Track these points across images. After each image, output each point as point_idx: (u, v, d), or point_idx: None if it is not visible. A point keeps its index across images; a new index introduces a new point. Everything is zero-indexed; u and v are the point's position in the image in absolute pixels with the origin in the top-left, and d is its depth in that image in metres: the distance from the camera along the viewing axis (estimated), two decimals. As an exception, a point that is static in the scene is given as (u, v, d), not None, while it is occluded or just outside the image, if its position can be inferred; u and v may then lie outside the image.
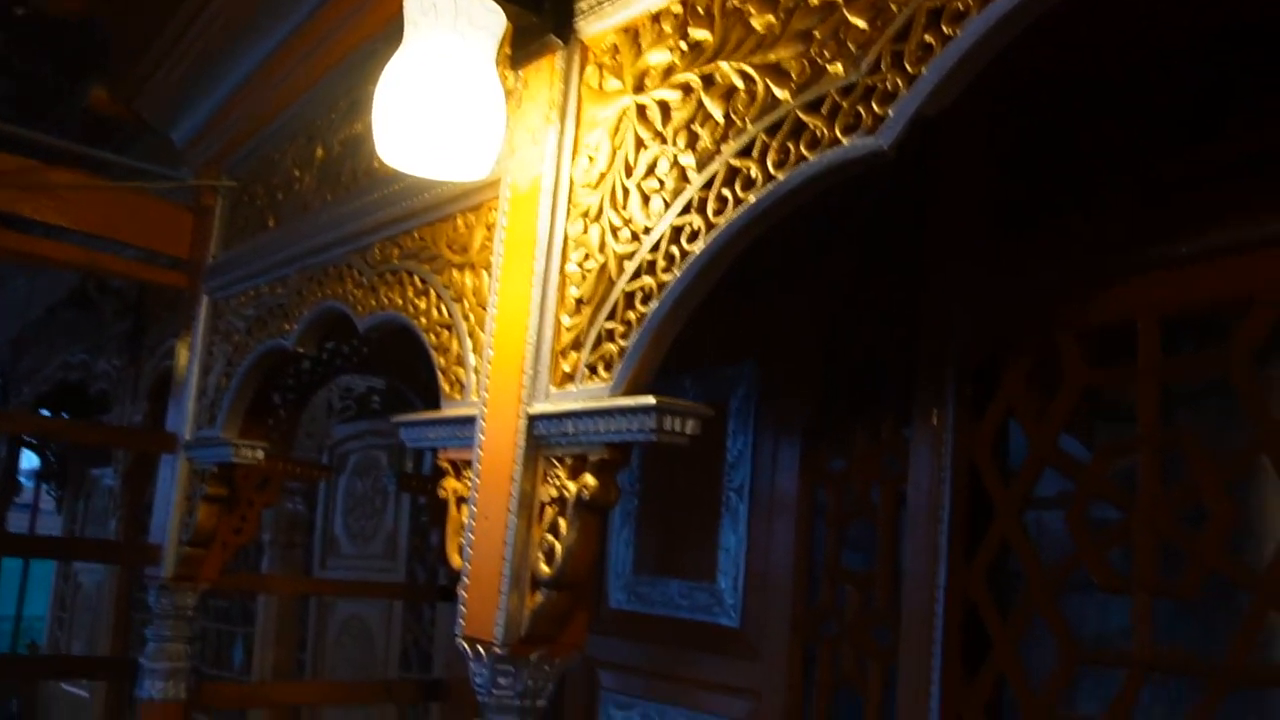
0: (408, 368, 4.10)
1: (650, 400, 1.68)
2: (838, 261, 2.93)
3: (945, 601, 2.49)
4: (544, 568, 1.87)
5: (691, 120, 1.74)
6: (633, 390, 1.77)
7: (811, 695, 2.79)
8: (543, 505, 1.90)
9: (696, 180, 1.70)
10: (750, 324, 3.10)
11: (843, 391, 2.90)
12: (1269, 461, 2.09)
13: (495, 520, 1.94)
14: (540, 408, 1.90)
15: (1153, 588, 2.20)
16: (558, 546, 1.85)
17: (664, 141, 1.78)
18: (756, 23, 1.66)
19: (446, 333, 2.25)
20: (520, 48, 2.10)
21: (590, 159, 1.93)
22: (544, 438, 1.89)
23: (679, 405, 1.70)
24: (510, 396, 1.97)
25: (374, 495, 5.70)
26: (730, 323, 3.06)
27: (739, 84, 1.67)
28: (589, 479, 1.81)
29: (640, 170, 1.82)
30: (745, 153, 1.63)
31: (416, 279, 2.37)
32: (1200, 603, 2.25)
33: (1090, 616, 2.65)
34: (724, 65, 1.70)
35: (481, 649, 1.91)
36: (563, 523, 1.85)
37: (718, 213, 1.68)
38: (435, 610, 4.93)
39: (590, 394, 1.83)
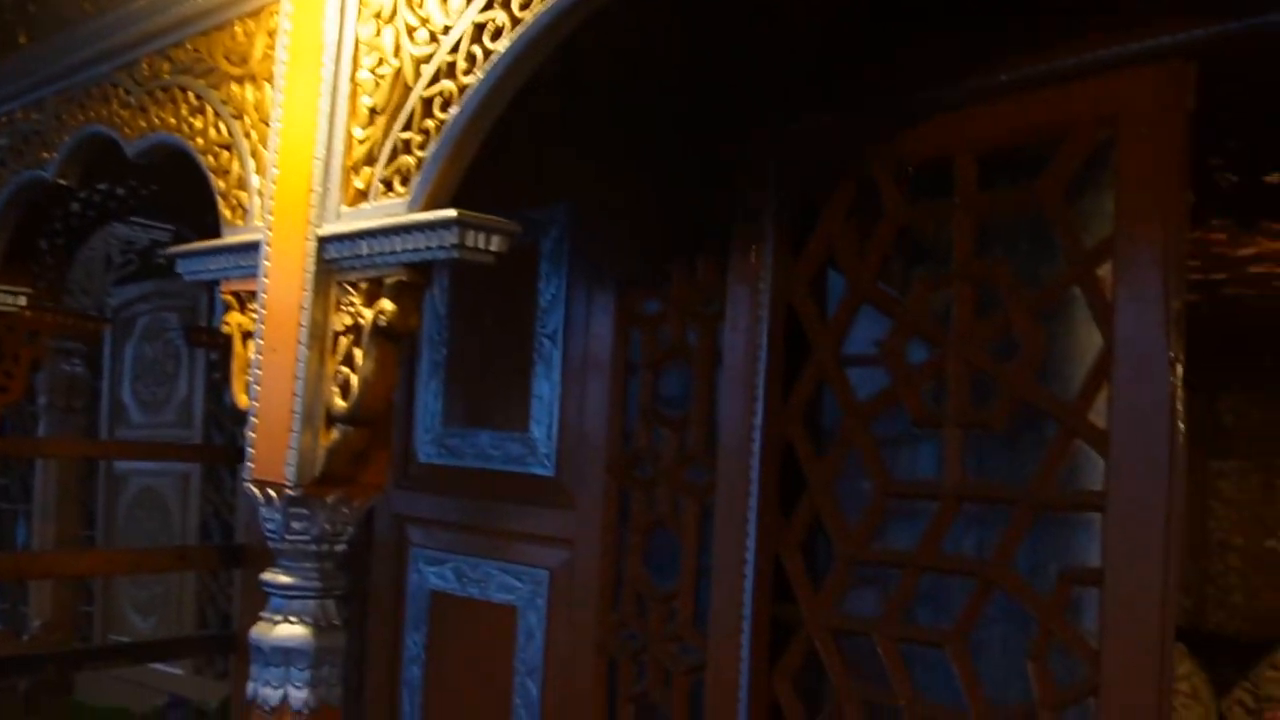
0: (194, 214, 3.78)
1: (451, 213, 1.54)
2: (655, 98, 2.79)
3: (761, 441, 2.46)
4: (339, 402, 1.72)
5: (495, -101, 1.56)
6: (432, 206, 1.62)
7: (627, 540, 2.75)
8: (336, 335, 1.74)
9: (501, -33, 1.54)
10: (563, 165, 2.94)
11: (659, 232, 2.79)
12: (1080, 292, 2.10)
13: (284, 354, 1.77)
14: (331, 228, 1.73)
15: (964, 420, 2.21)
16: (353, 379, 1.70)
17: (465, -75, 1.60)
18: None
19: (226, 153, 2.03)
20: None
21: (382, -50, 1.73)
22: (336, 261, 1.72)
23: (483, 220, 1.56)
24: (297, 219, 1.79)
25: (165, 360, 5.36)
26: (542, 163, 2.90)
27: None
28: (386, 304, 1.66)
29: (438, -41, 1.63)
30: (555, -67, 1.47)
31: (191, 95, 2.13)
32: (1011, 435, 2.29)
33: (903, 466, 2.67)
34: None
35: (273, 492, 1.76)
36: (358, 353, 1.70)
37: (524, 6, 1.52)
38: (236, 478, 4.70)
39: (386, 211, 1.66)
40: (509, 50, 1.54)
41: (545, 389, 2.95)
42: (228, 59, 2.04)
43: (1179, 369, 1.96)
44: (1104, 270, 2.08)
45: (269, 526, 1.80)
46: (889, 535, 2.45)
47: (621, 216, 2.87)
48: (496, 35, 1.56)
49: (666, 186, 2.76)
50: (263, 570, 1.86)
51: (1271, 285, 4.62)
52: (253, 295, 1.88)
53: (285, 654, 1.81)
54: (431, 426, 3.27)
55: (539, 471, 2.94)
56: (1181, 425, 1.94)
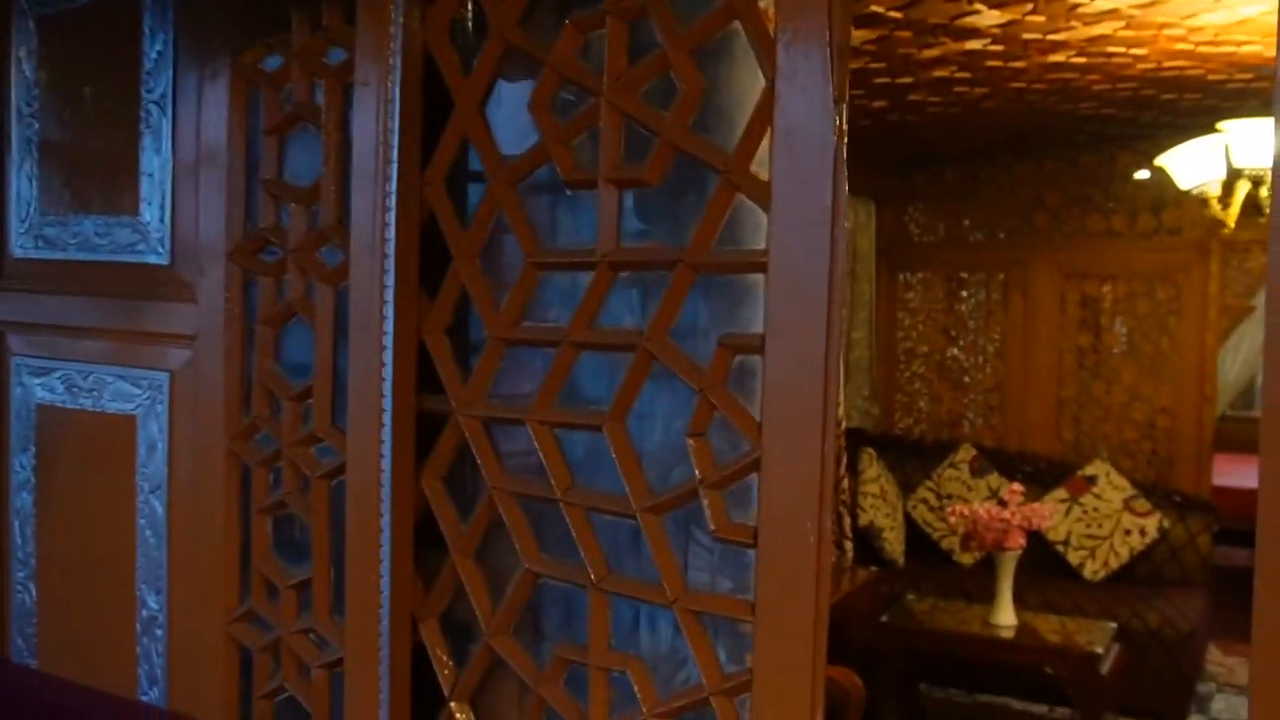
0: None
1: None
2: None
3: (398, 210, 2.06)
4: None
5: None
6: None
7: (254, 331, 2.31)
8: None
9: None
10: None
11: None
12: (742, 28, 1.80)
13: None
14: None
15: (618, 176, 1.89)
16: None
17: None
18: None
19: None
20: None
21: None
22: None
23: None
24: None
25: None
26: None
27: None
28: None
29: None
30: None
31: None
32: (675, 194, 2.00)
33: (565, 233, 2.35)
34: None
35: None
36: None
37: None
38: None
39: None
40: None
41: (156, 165, 2.42)
42: None
43: (844, 111, 1.71)
44: (766, 1, 1.78)
45: None
46: (551, 314, 2.15)
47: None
48: None
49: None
50: None
51: (953, 90, 4.60)
52: None
53: None
54: (27, 216, 2.66)
55: (153, 260, 2.43)
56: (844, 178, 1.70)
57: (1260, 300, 6.50)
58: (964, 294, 6.41)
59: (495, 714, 2.15)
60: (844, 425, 5.64)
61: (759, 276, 1.76)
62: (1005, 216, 6.26)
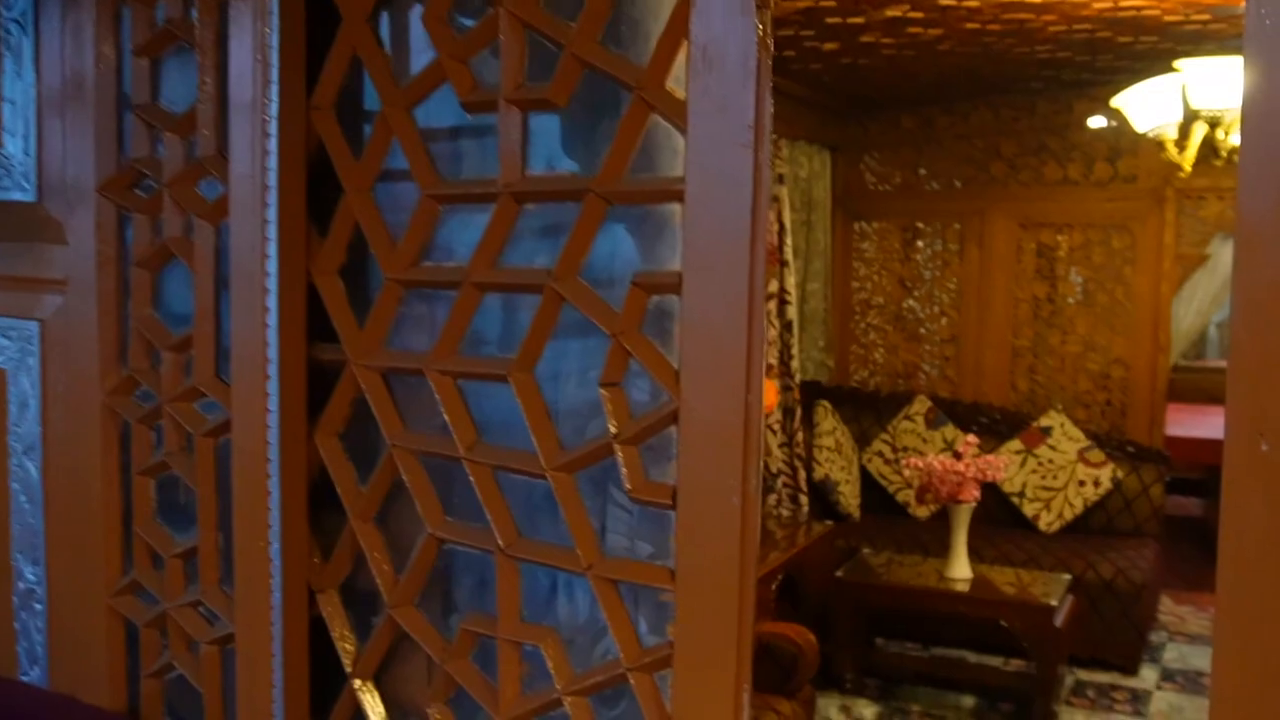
0: None
1: None
2: None
3: (280, 137, 1.81)
4: None
5: None
6: None
7: (130, 271, 2.06)
8: None
9: None
10: None
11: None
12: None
13: None
14: None
15: (520, 97, 1.65)
16: None
17: None
18: None
19: None
20: None
21: None
22: None
23: None
24: None
25: None
26: None
27: None
28: None
29: None
30: None
31: None
32: (587, 119, 1.77)
33: (470, 164, 2.11)
34: None
35: None
36: None
37: None
38: None
39: None
40: None
41: (18, 91, 2.14)
42: None
43: (768, 20, 1.47)
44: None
45: None
46: (455, 254, 1.91)
47: None
48: None
49: None
50: None
51: (906, 31, 4.41)
52: None
53: None
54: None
55: (18, 197, 2.16)
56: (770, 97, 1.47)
57: (1214, 248, 6.36)
58: (920, 244, 6.21)
59: (402, 691, 1.94)
60: (799, 378, 5.45)
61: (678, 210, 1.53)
62: (962, 165, 6.05)
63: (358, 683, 1.91)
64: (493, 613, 1.76)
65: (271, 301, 1.82)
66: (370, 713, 1.89)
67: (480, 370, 1.75)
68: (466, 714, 1.82)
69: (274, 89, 1.80)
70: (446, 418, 1.76)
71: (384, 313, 1.82)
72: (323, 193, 1.88)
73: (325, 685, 1.94)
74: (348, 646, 1.92)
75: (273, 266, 1.82)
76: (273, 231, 1.81)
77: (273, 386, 1.83)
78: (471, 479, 1.74)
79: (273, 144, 1.80)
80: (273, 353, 1.83)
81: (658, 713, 1.59)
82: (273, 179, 1.81)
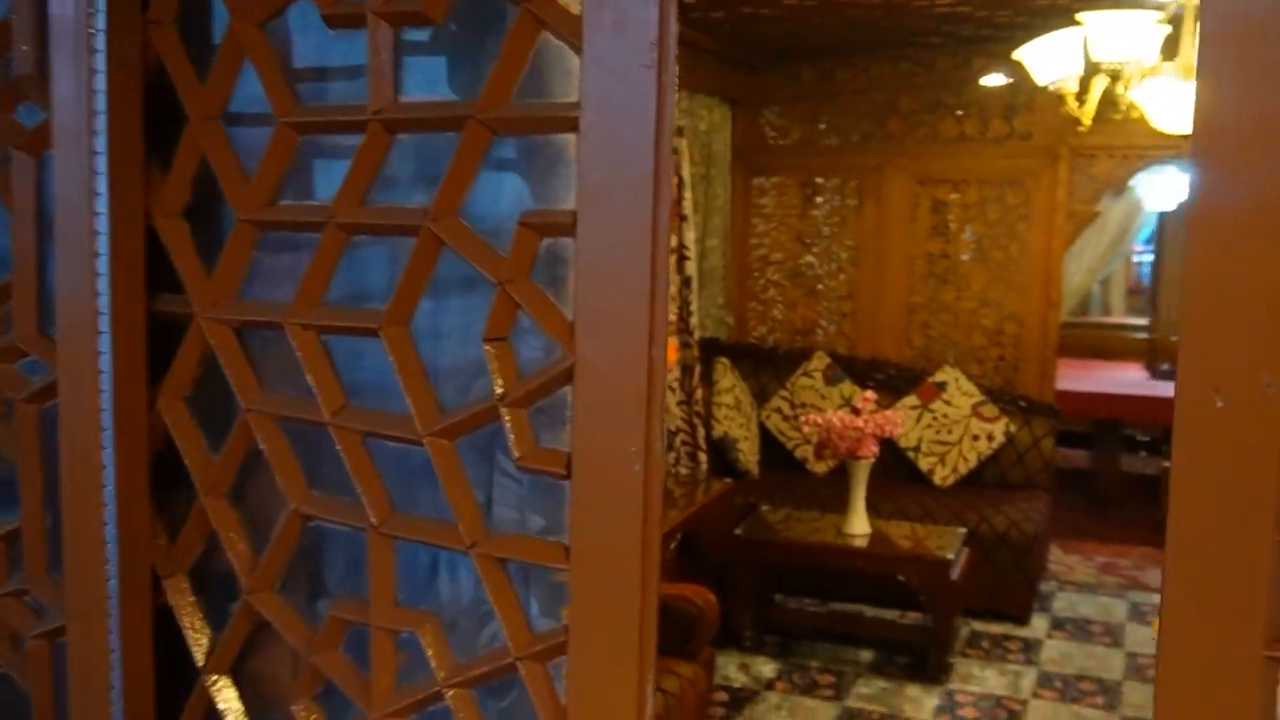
0: None
1: None
2: None
3: (109, 55, 1.53)
4: None
5: None
6: None
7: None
8: None
9: None
10: None
11: None
12: None
13: None
14: None
15: (391, 10, 1.41)
16: None
17: None
18: None
19: None
20: None
21: None
22: None
23: None
24: None
25: None
26: None
27: None
28: None
29: None
30: None
31: None
32: (463, 42, 1.54)
33: (336, 91, 1.85)
34: None
35: None
36: None
37: None
38: None
39: None
40: None
41: None
42: None
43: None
44: None
45: None
46: (319, 193, 1.66)
47: None
48: None
49: None
50: None
51: (782, 3, 4.28)
52: None
53: None
54: None
55: None
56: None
57: (1104, 205, 6.37)
58: (819, 200, 6.08)
59: (265, 686, 1.71)
60: (698, 335, 5.29)
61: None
62: (860, 120, 5.93)
63: (212, 678, 1.67)
64: (365, 597, 1.54)
65: (103, 245, 1.54)
66: (227, 711, 1.66)
67: (346, 323, 1.51)
68: (337, 711, 1.60)
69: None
70: (310, 378, 1.52)
71: (236, 258, 1.56)
72: (170, 126, 1.61)
73: (175, 682, 1.69)
74: (200, 638, 1.68)
75: (103, 205, 1.54)
76: (103, 165, 1.53)
77: (105, 343, 1.56)
78: (339, 447, 1.51)
79: (100, 61, 1.52)
80: (104, 304, 1.56)
81: (551, 705, 1.39)
82: (101, 102, 1.53)
